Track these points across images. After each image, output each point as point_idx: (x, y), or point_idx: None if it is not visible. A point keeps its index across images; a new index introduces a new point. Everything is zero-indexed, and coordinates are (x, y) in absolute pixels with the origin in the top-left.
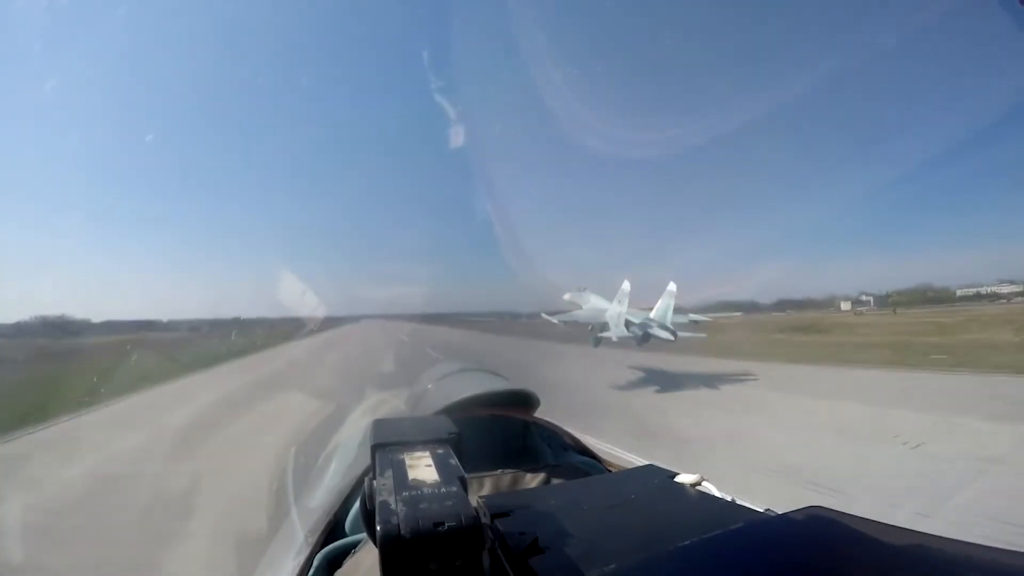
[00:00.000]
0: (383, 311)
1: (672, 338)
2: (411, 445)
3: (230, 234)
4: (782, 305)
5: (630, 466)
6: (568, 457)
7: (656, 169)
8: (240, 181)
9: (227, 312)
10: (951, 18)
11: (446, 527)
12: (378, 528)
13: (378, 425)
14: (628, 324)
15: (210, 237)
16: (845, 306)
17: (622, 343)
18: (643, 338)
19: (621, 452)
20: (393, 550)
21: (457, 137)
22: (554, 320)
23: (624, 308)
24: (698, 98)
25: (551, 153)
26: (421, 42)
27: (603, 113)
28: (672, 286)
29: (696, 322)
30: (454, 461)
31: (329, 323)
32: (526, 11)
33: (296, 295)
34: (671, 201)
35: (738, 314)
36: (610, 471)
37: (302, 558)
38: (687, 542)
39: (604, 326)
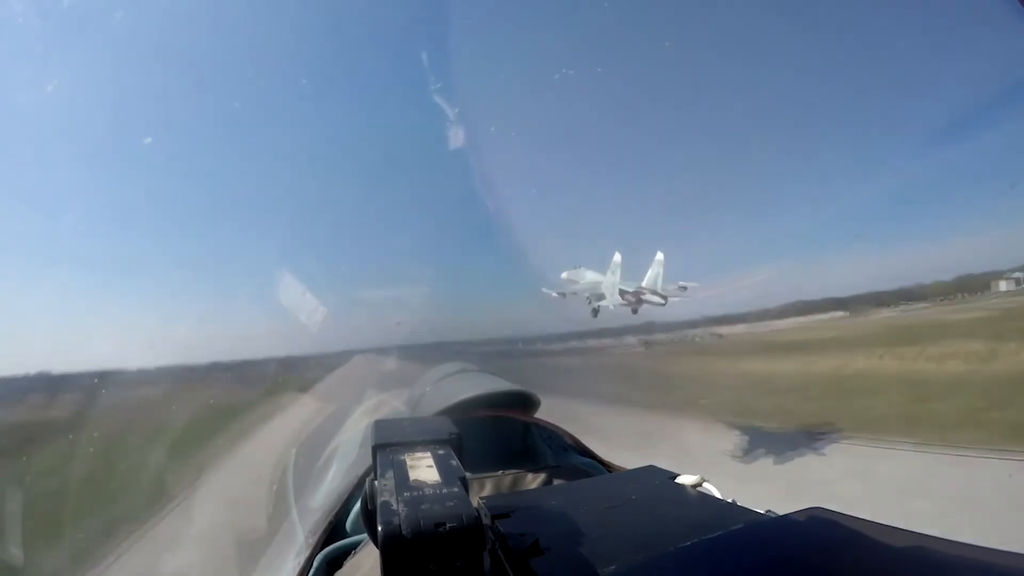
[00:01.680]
0: (375, 343)
1: (663, 303)
2: (412, 446)
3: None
4: (879, 298)
5: (631, 467)
6: (569, 458)
7: (669, 160)
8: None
9: (195, 354)
10: None
11: (447, 528)
12: (379, 528)
13: (379, 426)
14: (622, 292)
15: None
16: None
17: None
18: (636, 304)
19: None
20: (394, 550)
21: (456, 140)
22: (554, 294)
23: (617, 278)
24: (702, 91)
25: (555, 153)
26: (422, 43)
27: (604, 108)
28: (660, 255)
29: (684, 288)
30: (455, 462)
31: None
32: (525, 11)
33: (285, 323)
34: (684, 192)
35: (840, 313)
36: (611, 472)
37: (302, 558)
38: (688, 543)
39: (600, 296)
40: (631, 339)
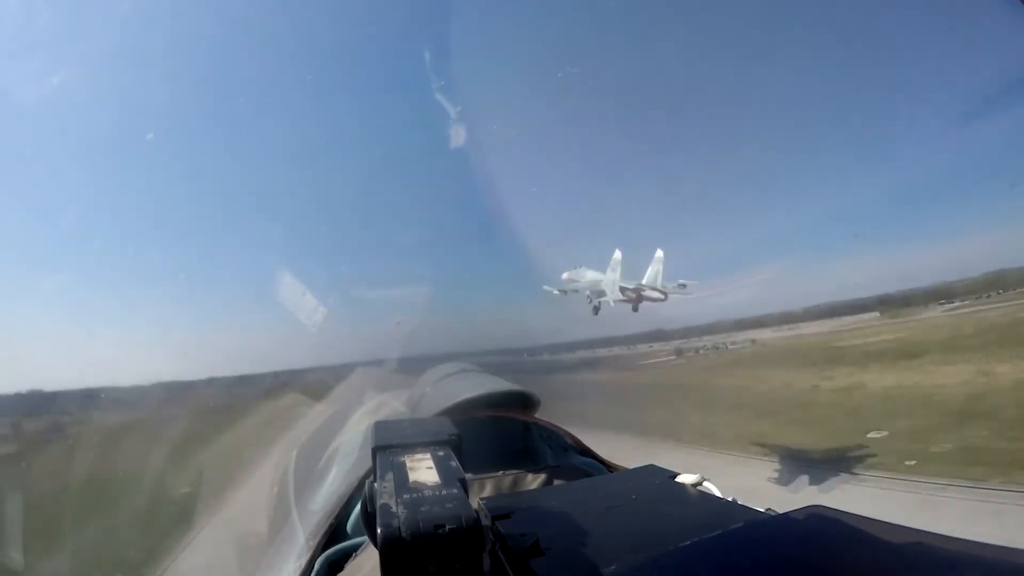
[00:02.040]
0: (373, 352)
1: (663, 298)
2: (412, 447)
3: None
4: (907, 298)
5: (631, 466)
6: (569, 458)
7: (669, 159)
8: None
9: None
10: None
11: (447, 529)
12: (379, 530)
13: (379, 427)
14: (623, 289)
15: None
16: None
17: None
18: (636, 300)
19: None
20: (394, 552)
21: (457, 139)
22: (555, 291)
23: (617, 275)
24: (704, 91)
25: (556, 153)
26: (421, 42)
27: (606, 108)
28: (659, 253)
29: (684, 286)
30: (455, 463)
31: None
32: (526, 10)
33: (283, 331)
34: (683, 191)
35: (872, 315)
36: (611, 471)
37: (303, 561)
38: (688, 542)
39: (601, 292)
40: (654, 347)
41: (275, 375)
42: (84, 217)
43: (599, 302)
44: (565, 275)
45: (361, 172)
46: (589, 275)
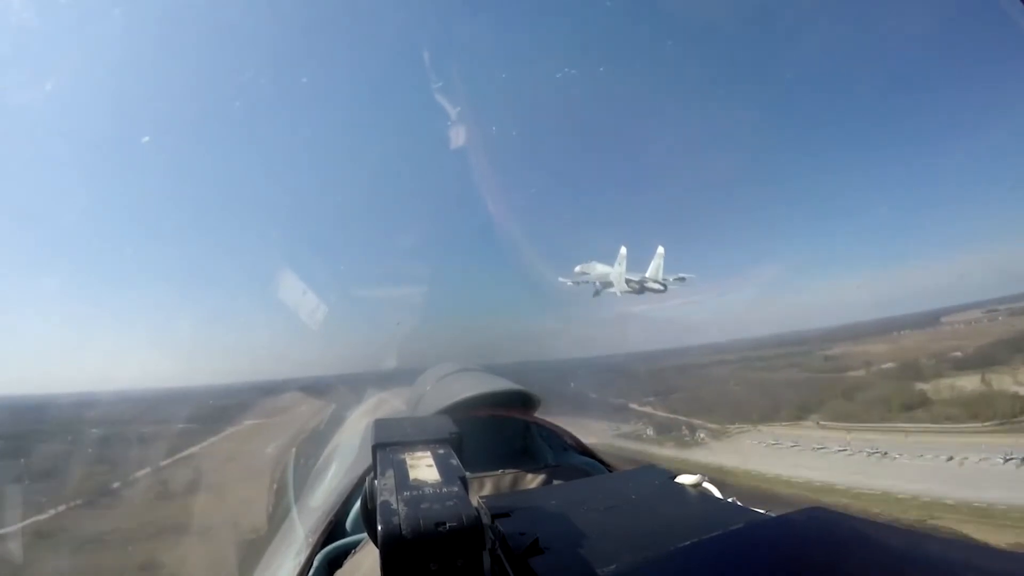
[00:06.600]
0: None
1: (663, 289)
2: (412, 445)
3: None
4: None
5: (631, 466)
6: (569, 457)
7: (672, 161)
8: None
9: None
10: None
11: (447, 527)
12: (379, 528)
13: (379, 425)
14: (628, 281)
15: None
16: None
17: None
18: (640, 291)
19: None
20: (394, 550)
21: (465, 144)
22: (569, 283)
23: (623, 268)
24: (703, 91)
25: (566, 155)
26: (427, 45)
27: (609, 106)
28: (660, 249)
29: (683, 279)
30: (455, 461)
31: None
32: (527, 10)
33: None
34: (686, 192)
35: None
36: (611, 471)
37: (302, 558)
38: (688, 543)
39: (609, 284)
40: None
41: (276, 373)
42: (84, 222)
43: (602, 289)
44: (577, 268)
45: (369, 176)
46: (599, 268)
